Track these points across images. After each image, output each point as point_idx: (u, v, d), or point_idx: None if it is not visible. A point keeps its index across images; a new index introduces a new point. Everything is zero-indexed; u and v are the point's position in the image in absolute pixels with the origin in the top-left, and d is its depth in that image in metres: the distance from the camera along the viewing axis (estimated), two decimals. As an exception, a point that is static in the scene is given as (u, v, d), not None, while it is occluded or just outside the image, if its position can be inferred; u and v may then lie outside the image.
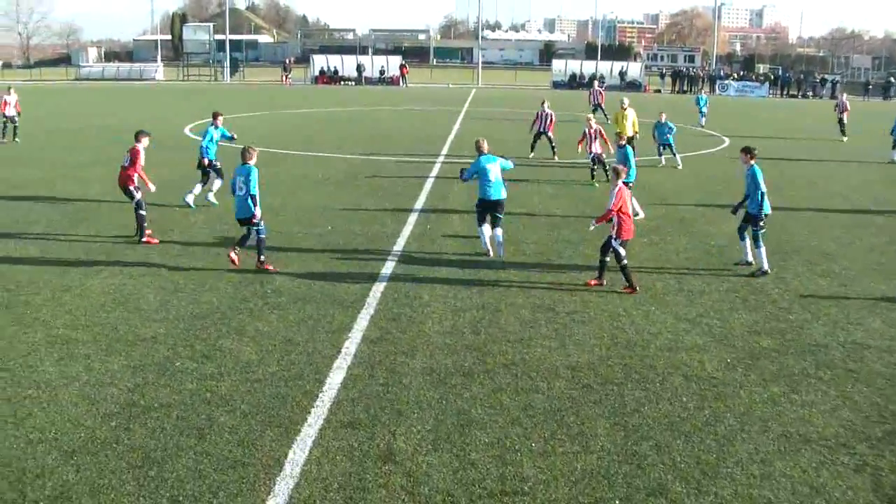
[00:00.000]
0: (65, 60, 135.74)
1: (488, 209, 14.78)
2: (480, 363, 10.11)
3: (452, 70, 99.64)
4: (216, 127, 19.32)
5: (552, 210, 19.50)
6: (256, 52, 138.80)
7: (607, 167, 19.96)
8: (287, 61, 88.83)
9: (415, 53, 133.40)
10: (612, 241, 12.94)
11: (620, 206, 12.79)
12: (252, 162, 13.79)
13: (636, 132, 26.39)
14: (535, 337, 11.05)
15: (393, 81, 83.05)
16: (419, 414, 8.72)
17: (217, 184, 19.32)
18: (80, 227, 16.97)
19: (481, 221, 14.98)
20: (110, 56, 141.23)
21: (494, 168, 14.76)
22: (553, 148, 28.27)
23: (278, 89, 73.85)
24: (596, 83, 52.30)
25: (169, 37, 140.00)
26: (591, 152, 23.01)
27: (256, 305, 12.03)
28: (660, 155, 27.02)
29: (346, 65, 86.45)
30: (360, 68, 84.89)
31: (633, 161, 18.09)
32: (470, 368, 9.94)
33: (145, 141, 16.41)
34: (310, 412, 8.67)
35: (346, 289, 12.88)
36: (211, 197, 19.18)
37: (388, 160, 27.09)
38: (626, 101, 27.19)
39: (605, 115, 40.39)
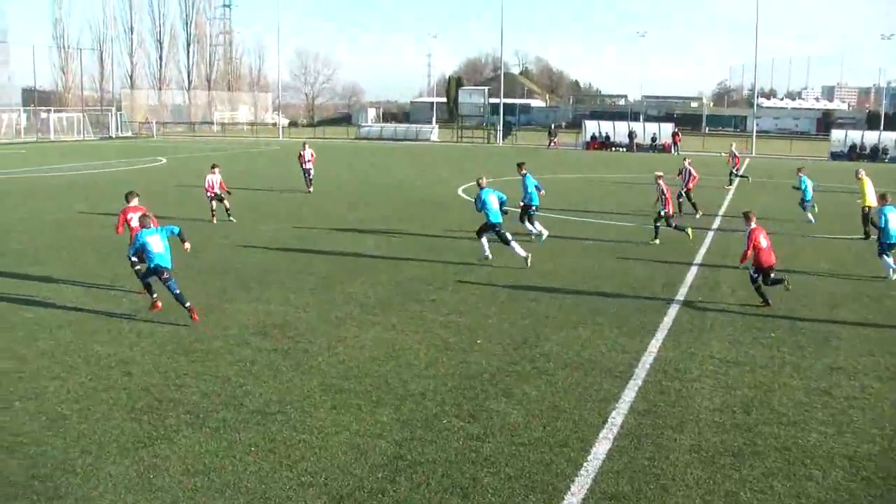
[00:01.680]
0: (345, 119, 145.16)
1: (491, 229, 19.79)
2: (751, 444, 9.65)
3: (725, 138, 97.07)
4: (526, 175, 23.55)
5: (831, 288, 18.38)
6: (529, 116, 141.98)
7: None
8: (552, 126, 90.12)
9: (687, 121, 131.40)
10: (750, 271, 16.46)
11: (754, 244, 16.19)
12: None
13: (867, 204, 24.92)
14: (809, 421, 10.41)
15: (665, 148, 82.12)
16: (685, 492, 8.42)
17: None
18: (356, 280, 17.92)
19: (482, 234, 20.20)
20: (387, 116, 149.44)
21: (493, 198, 19.72)
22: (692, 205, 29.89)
23: (546, 153, 74.96)
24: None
25: (444, 99, 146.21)
26: None
27: (524, 369, 12.13)
28: None
29: (617, 130, 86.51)
30: (631, 135, 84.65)
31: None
32: (740, 449, 9.50)
33: None
34: (574, 481, 8.59)
35: (615, 358, 12.74)
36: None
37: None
38: (862, 171, 25.87)
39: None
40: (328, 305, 15.70)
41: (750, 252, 16.26)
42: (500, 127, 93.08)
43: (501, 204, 20.04)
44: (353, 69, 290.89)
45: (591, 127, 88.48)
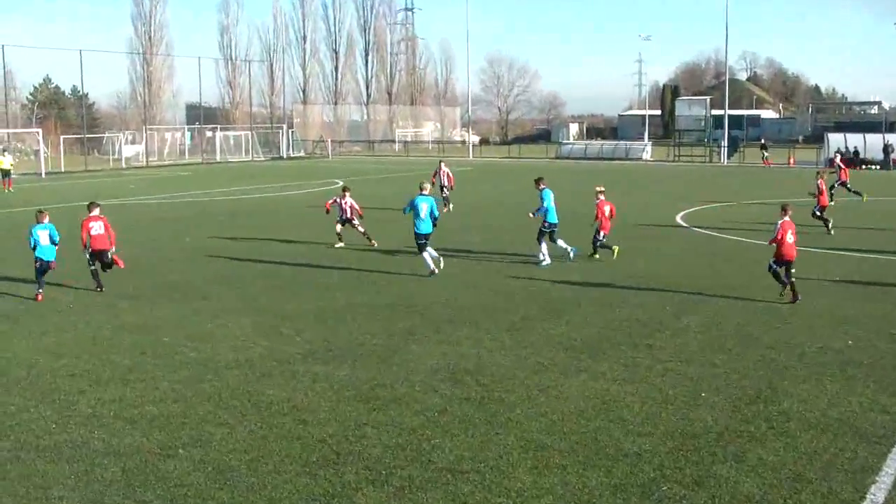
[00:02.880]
0: (544, 136, 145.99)
1: (425, 238, 22.80)
2: None
3: None
4: (544, 190, 24.65)
5: None
6: (758, 130, 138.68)
7: None
8: (762, 140, 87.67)
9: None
10: (770, 262, 19.54)
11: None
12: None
13: None
14: None
15: (933, 165, 78.30)
16: None
17: None
18: (559, 319, 17.98)
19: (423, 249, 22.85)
20: (592, 132, 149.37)
21: (425, 206, 22.56)
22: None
23: (769, 172, 72.89)
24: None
25: (658, 111, 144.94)
26: None
27: (759, 429, 11.74)
28: None
29: (869, 144, 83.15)
30: (887, 149, 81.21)
31: None
32: None
33: None
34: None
35: (871, 419, 12.14)
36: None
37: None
38: None
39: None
40: (528, 349, 15.73)
41: (775, 243, 19.39)
42: (725, 143, 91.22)
43: (432, 214, 22.91)
44: (553, 79, 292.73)
45: (836, 141, 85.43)
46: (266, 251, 27.31)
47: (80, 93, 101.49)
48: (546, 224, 24.58)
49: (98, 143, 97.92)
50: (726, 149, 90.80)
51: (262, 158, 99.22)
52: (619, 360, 14.97)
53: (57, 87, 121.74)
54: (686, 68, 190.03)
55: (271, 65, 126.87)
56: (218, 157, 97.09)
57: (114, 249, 21.49)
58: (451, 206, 38.26)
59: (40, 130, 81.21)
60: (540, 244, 24.56)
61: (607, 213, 25.35)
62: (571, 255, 24.79)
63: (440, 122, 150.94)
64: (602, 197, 25.45)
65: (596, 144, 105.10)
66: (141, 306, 19.52)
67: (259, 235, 31.25)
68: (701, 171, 76.46)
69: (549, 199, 24.21)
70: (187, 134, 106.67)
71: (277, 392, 13.32)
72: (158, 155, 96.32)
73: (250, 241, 29.74)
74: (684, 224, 34.16)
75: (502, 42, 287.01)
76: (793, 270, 19.45)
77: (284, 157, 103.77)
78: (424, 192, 23.20)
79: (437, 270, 22.59)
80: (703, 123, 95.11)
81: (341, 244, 28.02)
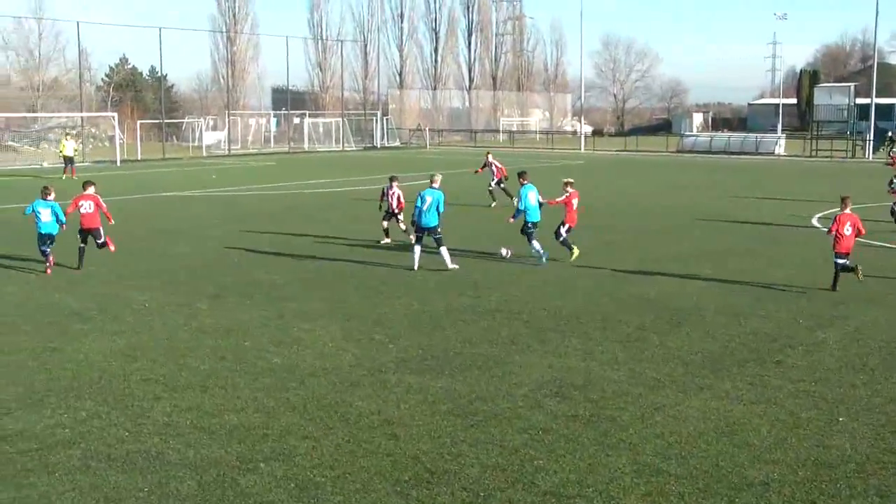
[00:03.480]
0: (663, 127, 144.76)
1: (422, 232, 24.31)
2: None
3: None
4: (524, 185, 25.46)
5: None
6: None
7: None
8: (889, 134, 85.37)
9: None
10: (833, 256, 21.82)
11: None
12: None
13: None
14: None
15: None
16: None
17: None
18: (678, 331, 17.88)
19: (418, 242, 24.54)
20: (718, 123, 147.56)
21: (429, 199, 24.02)
22: None
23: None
24: None
25: (793, 100, 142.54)
26: None
27: (906, 460, 11.52)
28: None
29: None
30: None
31: None
32: None
33: None
34: None
35: None
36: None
37: None
38: None
39: None
40: (642, 363, 15.64)
41: (832, 234, 21.71)
42: (871, 136, 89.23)
43: (438, 209, 24.28)
44: (675, 63, 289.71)
45: None
46: (357, 249, 27.58)
47: (159, 74, 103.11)
48: (528, 224, 25.44)
49: (177, 128, 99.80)
50: (872, 143, 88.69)
51: (354, 148, 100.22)
52: (745, 378, 14.78)
53: (134, 68, 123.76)
54: (827, 51, 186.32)
55: (365, 45, 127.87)
56: (306, 146, 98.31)
57: (106, 227, 24.66)
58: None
59: (115, 115, 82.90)
60: (531, 243, 25.43)
61: (575, 206, 26.04)
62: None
63: (549, 111, 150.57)
64: (570, 189, 26.06)
65: (722, 137, 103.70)
66: (221, 307, 19.90)
67: (349, 232, 31.57)
68: (842, 167, 75.04)
69: (527, 198, 25.25)
70: (273, 120, 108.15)
71: (367, 403, 13.45)
72: (241, 142, 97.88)
73: (340, 238, 30.05)
74: (822, 227, 33.55)
75: (619, 22, 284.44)
76: (847, 263, 21.52)
77: (378, 146, 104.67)
78: (434, 186, 24.69)
79: (416, 268, 24.10)
80: (845, 114, 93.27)
81: (388, 240, 28.50)
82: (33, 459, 11.32)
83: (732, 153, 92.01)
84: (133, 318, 18.91)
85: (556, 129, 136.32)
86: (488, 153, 43.64)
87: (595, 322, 18.55)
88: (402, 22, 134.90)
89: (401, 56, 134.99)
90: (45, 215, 23.46)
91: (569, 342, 16.95)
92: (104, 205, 24.54)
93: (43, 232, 23.48)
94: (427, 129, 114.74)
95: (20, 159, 75.75)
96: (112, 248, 24.31)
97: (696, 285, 22.35)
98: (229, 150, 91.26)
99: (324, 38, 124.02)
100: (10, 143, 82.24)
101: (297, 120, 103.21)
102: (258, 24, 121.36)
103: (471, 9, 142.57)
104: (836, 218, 21.66)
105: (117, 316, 19.06)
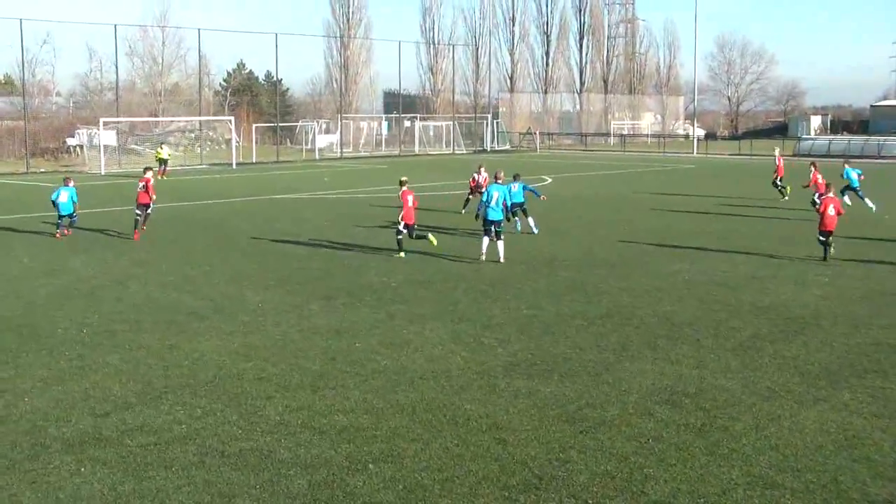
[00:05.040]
0: (779, 130, 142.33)
1: (490, 225, 25.95)
2: None
3: None
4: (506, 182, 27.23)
5: None
6: None
7: None
8: None
9: None
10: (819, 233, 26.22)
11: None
12: None
13: None
14: None
15: None
16: None
17: None
18: (794, 340, 17.51)
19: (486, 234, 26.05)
20: (838, 126, 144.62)
21: (496, 195, 25.88)
22: None
23: None
24: None
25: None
26: None
27: None
28: None
29: None
30: None
31: None
32: None
33: None
34: None
35: None
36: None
37: None
38: None
39: None
40: (756, 372, 15.36)
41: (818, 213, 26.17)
42: None
43: (504, 203, 26.45)
44: (792, 64, 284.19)
45: None
46: (470, 250, 27.52)
47: (274, 78, 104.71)
48: (486, 220, 26.43)
49: (291, 132, 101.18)
50: None
51: (465, 151, 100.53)
52: (866, 390, 14.41)
53: (251, 73, 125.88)
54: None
55: (476, 49, 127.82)
56: (416, 149, 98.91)
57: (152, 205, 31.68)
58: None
59: (232, 118, 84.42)
60: (527, 217, 31.17)
61: (410, 202, 27.33)
62: (482, 258, 26.07)
63: (661, 114, 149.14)
64: (405, 187, 27.52)
65: (842, 140, 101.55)
66: (333, 308, 20.08)
67: (458, 233, 31.61)
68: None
69: (490, 196, 26.16)
70: (385, 123, 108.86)
71: (476, 407, 13.44)
72: (353, 145, 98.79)
73: (451, 240, 30.05)
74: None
75: (735, 22, 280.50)
76: (830, 240, 26.07)
77: (488, 149, 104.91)
78: (499, 181, 27.35)
79: (483, 258, 25.83)
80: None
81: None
82: (152, 454, 11.59)
83: (852, 157, 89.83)
84: (247, 317, 19.18)
85: (668, 132, 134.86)
86: (481, 166, 40.88)
87: (707, 329, 18.28)
88: (513, 26, 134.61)
89: (512, 59, 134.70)
90: (63, 197, 31.12)
91: (680, 349, 16.74)
92: (151, 187, 31.46)
93: (62, 212, 31.04)
94: (537, 132, 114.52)
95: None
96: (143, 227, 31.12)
97: (813, 294, 21.87)
98: (341, 152, 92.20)
99: (436, 42, 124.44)
100: (133, 146, 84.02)
101: (407, 123, 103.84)
102: (371, 29, 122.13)
103: (582, 12, 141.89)
104: (823, 200, 26.12)
105: (232, 316, 19.36)
